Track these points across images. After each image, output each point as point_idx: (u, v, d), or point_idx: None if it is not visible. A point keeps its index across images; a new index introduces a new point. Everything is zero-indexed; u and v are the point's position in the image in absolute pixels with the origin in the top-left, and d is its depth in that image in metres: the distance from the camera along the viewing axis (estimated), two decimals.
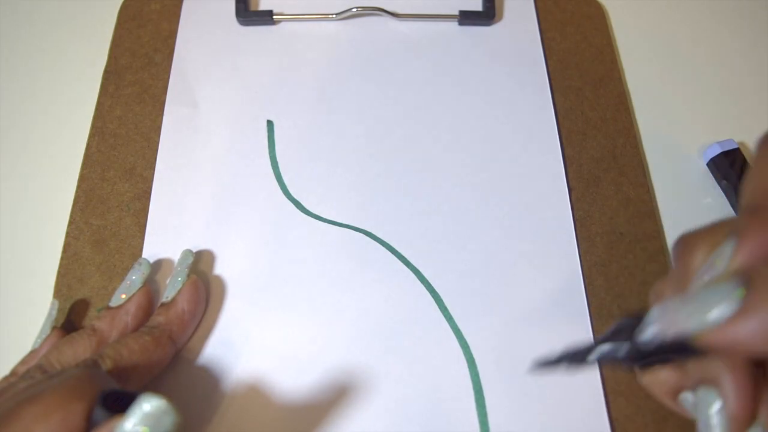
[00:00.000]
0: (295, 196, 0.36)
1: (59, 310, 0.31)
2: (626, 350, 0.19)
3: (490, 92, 0.39)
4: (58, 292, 0.33)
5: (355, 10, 0.41)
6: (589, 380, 0.31)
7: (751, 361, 0.21)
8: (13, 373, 0.28)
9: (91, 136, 0.37)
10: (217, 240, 0.34)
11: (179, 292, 0.31)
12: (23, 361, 0.29)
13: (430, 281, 0.33)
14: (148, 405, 0.20)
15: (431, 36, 0.41)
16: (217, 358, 0.31)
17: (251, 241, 0.34)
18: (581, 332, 0.32)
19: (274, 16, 0.41)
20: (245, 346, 0.31)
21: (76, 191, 0.36)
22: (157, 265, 0.33)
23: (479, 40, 0.41)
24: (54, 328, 0.30)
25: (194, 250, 0.33)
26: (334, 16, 0.41)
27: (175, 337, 0.30)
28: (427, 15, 0.42)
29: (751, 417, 0.21)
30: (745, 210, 0.19)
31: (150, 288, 0.31)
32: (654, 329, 0.19)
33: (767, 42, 0.43)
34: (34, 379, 0.26)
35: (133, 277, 0.31)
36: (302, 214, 0.35)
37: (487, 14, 0.41)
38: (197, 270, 0.33)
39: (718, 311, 0.18)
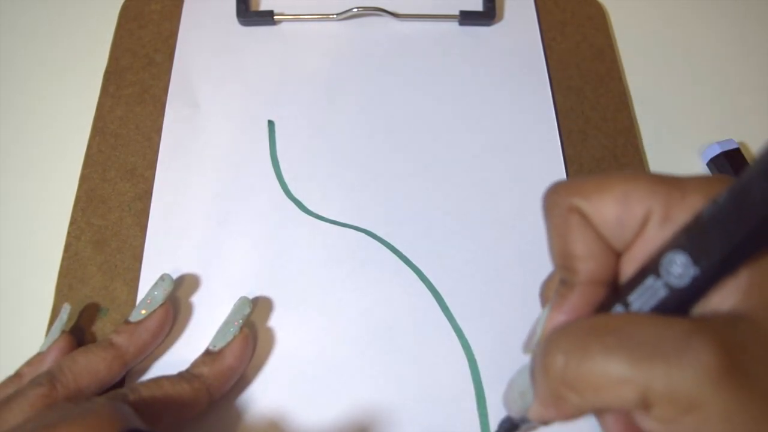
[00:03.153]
0: (296, 196, 0.36)
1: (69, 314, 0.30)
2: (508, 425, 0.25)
3: (491, 92, 0.39)
4: (59, 292, 0.33)
5: (355, 10, 0.41)
6: None
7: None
8: (17, 374, 0.28)
9: (92, 136, 0.37)
10: (218, 240, 0.34)
11: (229, 345, 0.29)
12: (29, 363, 0.29)
13: (431, 280, 0.33)
14: None
15: (432, 36, 0.42)
16: None
17: (252, 240, 0.34)
18: None
19: (275, 17, 0.41)
20: None
21: (77, 191, 0.36)
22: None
23: (480, 40, 0.41)
24: (63, 332, 0.29)
25: (195, 252, 0.33)
26: (334, 16, 0.41)
27: (213, 392, 0.28)
28: (428, 15, 0.42)
29: None
30: (559, 275, 0.22)
31: (170, 306, 0.31)
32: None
33: (767, 42, 0.43)
34: (43, 386, 0.26)
35: (155, 293, 0.30)
36: (303, 213, 0.35)
37: (488, 14, 0.41)
38: (199, 266, 0.33)
39: (522, 400, 0.22)
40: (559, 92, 0.40)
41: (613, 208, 0.20)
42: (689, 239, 0.18)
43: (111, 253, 0.34)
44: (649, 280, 0.19)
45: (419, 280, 0.33)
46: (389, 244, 0.34)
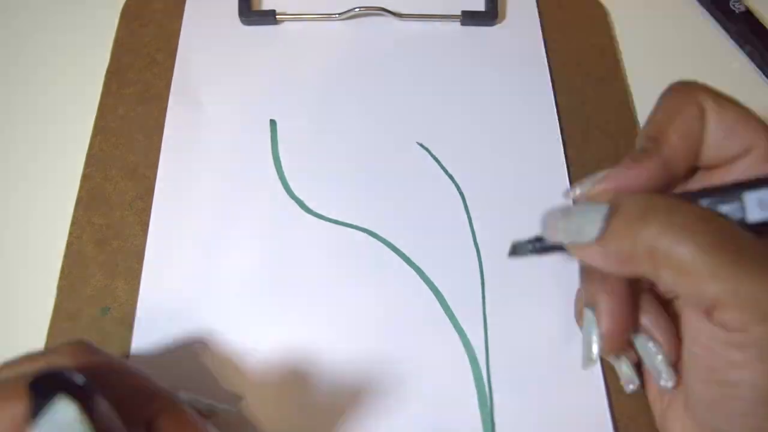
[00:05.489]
0: (298, 195, 0.36)
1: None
2: (535, 245, 0.27)
3: (493, 92, 0.39)
4: (60, 291, 0.33)
5: (357, 10, 0.41)
6: (592, 380, 0.31)
7: (629, 283, 0.24)
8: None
9: (94, 135, 0.37)
10: (219, 239, 0.34)
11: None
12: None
13: (432, 280, 0.33)
14: (60, 413, 0.17)
15: (433, 36, 0.42)
16: (218, 357, 0.31)
17: (254, 240, 0.34)
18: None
19: (277, 16, 0.41)
20: (247, 346, 0.31)
21: (79, 190, 0.36)
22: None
23: (482, 40, 0.41)
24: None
25: (197, 251, 0.33)
26: (336, 15, 0.41)
27: None
28: (430, 15, 0.42)
29: (622, 334, 0.25)
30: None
31: None
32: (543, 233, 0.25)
33: None
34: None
35: None
36: (305, 213, 0.35)
37: (490, 14, 0.41)
38: (201, 265, 0.33)
39: (585, 234, 0.22)
40: (560, 93, 0.40)
41: (734, 122, 0.22)
42: None
43: (112, 252, 0.34)
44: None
45: (420, 279, 0.33)
46: (390, 243, 0.34)
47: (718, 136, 0.22)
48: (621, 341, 0.25)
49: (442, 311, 0.33)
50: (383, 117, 0.38)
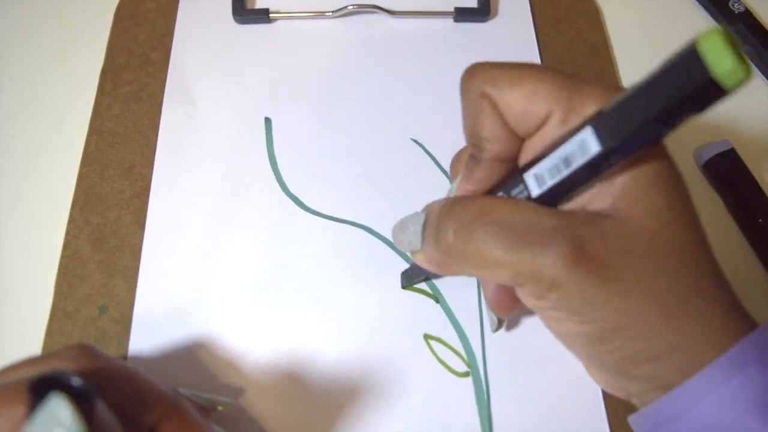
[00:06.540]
0: (294, 193, 0.36)
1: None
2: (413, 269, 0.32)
3: None
4: (58, 291, 0.33)
5: (351, 7, 0.41)
6: (588, 381, 0.31)
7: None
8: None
9: (90, 134, 0.37)
10: (216, 237, 0.34)
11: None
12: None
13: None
14: (54, 409, 0.17)
15: (427, 33, 0.42)
16: (216, 356, 0.31)
17: (250, 237, 0.34)
18: None
19: (271, 15, 0.41)
20: (245, 343, 0.32)
21: (76, 190, 0.36)
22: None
23: (474, 36, 0.42)
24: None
25: (194, 249, 0.33)
26: (330, 13, 0.41)
27: None
28: (423, 12, 0.42)
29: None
30: (470, 152, 0.25)
31: None
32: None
33: None
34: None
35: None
36: (301, 210, 0.35)
37: (483, 11, 0.41)
38: (198, 262, 0.33)
39: (415, 243, 0.26)
40: None
41: (519, 102, 0.22)
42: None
43: (110, 251, 0.34)
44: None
45: None
46: (387, 239, 0.35)
47: (515, 115, 0.23)
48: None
49: (438, 307, 0.33)
50: (377, 114, 0.39)
